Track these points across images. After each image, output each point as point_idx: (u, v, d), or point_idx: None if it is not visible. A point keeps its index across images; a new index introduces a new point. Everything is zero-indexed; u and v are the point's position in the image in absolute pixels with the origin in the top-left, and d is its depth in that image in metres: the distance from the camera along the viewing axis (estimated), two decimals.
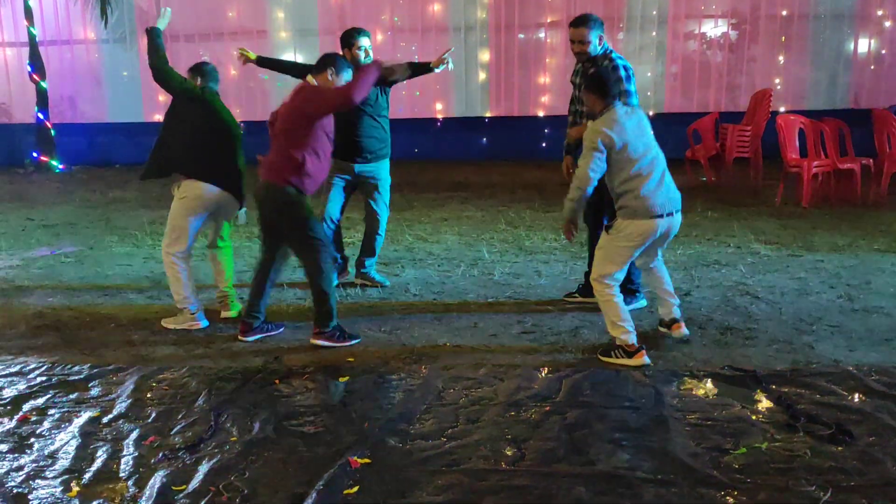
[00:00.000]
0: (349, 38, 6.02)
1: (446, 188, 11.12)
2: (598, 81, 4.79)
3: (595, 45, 5.56)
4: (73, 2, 13.60)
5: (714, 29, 13.72)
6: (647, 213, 4.69)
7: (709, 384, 4.44)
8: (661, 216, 4.71)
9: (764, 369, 4.56)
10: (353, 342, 5.14)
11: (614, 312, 4.79)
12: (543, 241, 7.84)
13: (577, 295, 5.94)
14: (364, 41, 6.01)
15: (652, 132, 4.88)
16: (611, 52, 5.61)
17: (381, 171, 6.23)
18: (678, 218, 4.85)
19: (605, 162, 4.71)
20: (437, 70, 6.24)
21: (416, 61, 6.73)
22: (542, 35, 13.89)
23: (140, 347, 5.23)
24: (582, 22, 5.59)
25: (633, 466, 3.55)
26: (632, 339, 4.76)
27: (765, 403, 4.16)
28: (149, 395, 4.45)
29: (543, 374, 4.59)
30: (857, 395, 4.22)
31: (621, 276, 4.87)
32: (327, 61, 5.14)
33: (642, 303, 5.76)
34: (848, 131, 9.46)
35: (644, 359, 4.71)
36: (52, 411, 4.28)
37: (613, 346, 4.81)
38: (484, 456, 3.67)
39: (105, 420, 4.16)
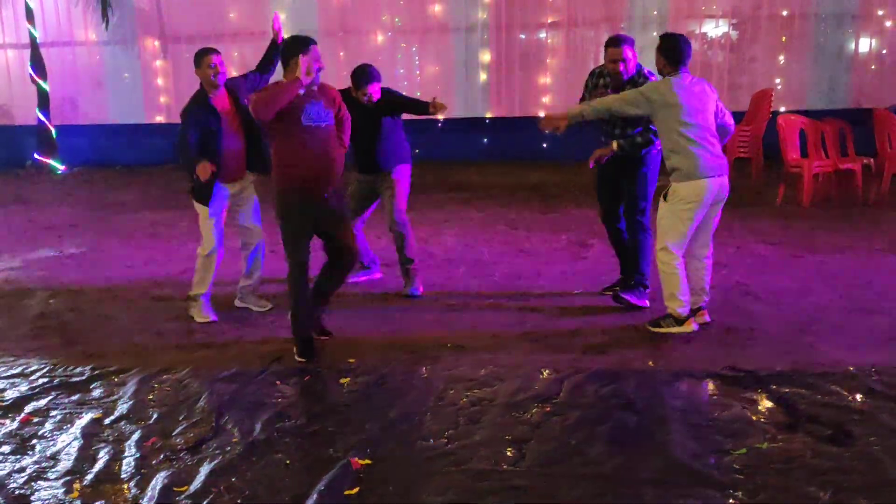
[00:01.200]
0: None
1: (447, 189, 11.12)
2: (673, 47, 5.15)
3: (629, 64, 5.61)
4: (74, 3, 13.60)
5: (715, 29, 13.70)
6: (698, 173, 5.01)
7: (710, 384, 4.45)
8: (712, 177, 5.03)
9: (765, 369, 4.56)
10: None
11: (675, 284, 5.16)
12: (544, 243, 7.84)
13: (616, 288, 5.95)
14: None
15: (715, 106, 5.19)
16: (642, 68, 5.69)
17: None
18: (727, 181, 5.15)
19: (639, 108, 5.08)
20: (438, 114, 5.99)
21: (416, 99, 6.51)
22: (542, 35, 13.88)
23: (142, 349, 5.24)
24: (621, 41, 5.64)
25: (633, 467, 3.56)
26: (686, 310, 5.16)
27: (765, 404, 4.17)
28: (150, 397, 4.47)
29: (544, 375, 4.60)
30: (857, 396, 4.22)
31: (683, 244, 5.15)
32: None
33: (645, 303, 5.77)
34: (849, 131, 9.45)
35: (693, 325, 5.20)
36: (53, 413, 4.29)
37: (664, 317, 5.24)
38: (485, 457, 3.68)
39: (107, 421, 4.17)
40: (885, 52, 13.49)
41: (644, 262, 5.75)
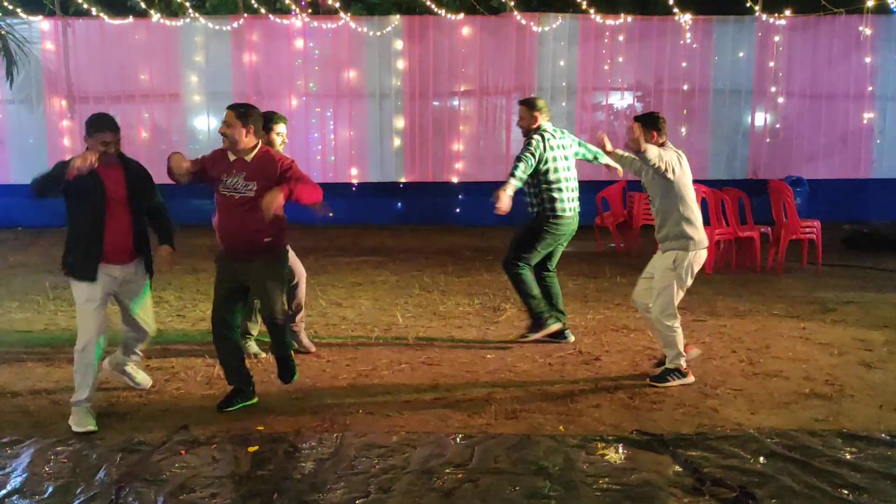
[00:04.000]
0: (269, 121, 5.76)
1: (361, 252, 11.12)
2: (654, 120, 5.52)
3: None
4: None
5: (621, 101, 14.26)
6: (705, 241, 5.59)
7: (619, 449, 4.51)
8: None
9: (670, 433, 4.65)
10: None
11: (681, 342, 5.56)
12: (457, 306, 7.89)
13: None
14: (281, 128, 6.01)
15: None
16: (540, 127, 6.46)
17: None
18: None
19: (671, 164, 5.31)
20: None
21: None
22: (455, 103, 14.19)
23: (38, 418, 5.01)
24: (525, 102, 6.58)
25: None
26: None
27: (672, 467, 4.24)
28: (46, 469, 4.26)
29: (456, 441, 4.58)
30: (760, 458, 4.34)
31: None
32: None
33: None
34: (747, 201, 9.89)
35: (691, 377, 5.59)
36: None
37: (672, 371, 5.53)
38: None
39: None
40: (778, 126, 14.25)
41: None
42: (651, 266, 5.65)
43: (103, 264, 4.92)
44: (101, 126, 4.85)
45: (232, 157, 5.05)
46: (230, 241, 5.09)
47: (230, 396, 5.15)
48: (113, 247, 4.92)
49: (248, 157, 5.01)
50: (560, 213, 6.37)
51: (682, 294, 5.55)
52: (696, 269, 5.52)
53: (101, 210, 4.88)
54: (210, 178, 5.10)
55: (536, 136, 6.33)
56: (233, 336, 5.21)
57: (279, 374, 5.30)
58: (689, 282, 5.54)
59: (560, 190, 6.36)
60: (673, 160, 5.33)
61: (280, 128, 6.00)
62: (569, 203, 6.41)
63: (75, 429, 4.76)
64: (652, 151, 5.19)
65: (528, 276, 6.46)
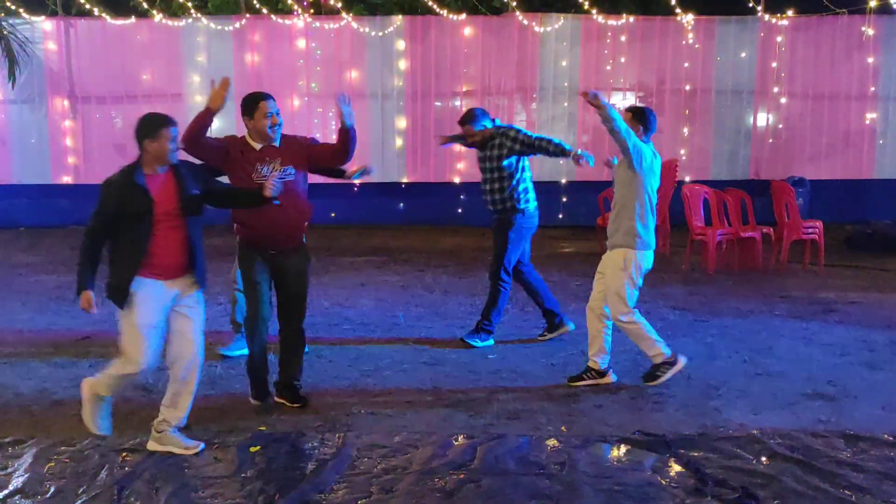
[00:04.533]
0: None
1: (363, 253, 11.12)
2: (642, 115, 5.59)
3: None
4: None
5: (622, 101, 14.24)
6: (653, 242, 5.60)
7: (621, 449, 4.50)
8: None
9: (673, 434, 4.65)
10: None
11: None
12: (459, 306, 7.89)
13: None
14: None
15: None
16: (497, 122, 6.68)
17: None
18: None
19: (637, 147, 5.32)
20: (354, 178, 6.10)
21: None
22: (457, 103, 14.16)
23: (40, 418, 5.01)
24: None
25: None
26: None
27: (674, 468, 4.24)
28: (48, 470, 4.26)
29: (458, 442, 4.58)
30: (762, 459, 4.33)
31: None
32: None
33: None
34: (749, 201, 9.88)
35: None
36: None
37: (657, 367, 5.51)
38: None
39: (0, 496, 3.95)
40: (780, 126, 14.22)
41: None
42: (602, 266, 5.61)
43: None
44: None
45: (258, 146, 5.04)
46: (274, 231, 4.98)
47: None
48: None
49: (277, 143, 5.07)
50: (529, 209, 6.49)
51: (636, 293, 5.50)
52: (645, 270, 5.49)
53: None
54: (222, 162, 5.03)
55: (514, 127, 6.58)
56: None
57: (281, 393, 5.22)
58: (640, 282, 5.49)
59: (527, 189, 6.51)
60: (643, 152, 5.33)
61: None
62: (534, 198, 6.56)
63: (87, 424, 4.55)
64: (611, 112, 5.19)
65: (508, 293, 6.57)
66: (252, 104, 5.08)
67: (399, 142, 14.13)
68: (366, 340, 6.72)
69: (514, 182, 6.38)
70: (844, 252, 11.05)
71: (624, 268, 5.40)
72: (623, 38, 13.80)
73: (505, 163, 6.34)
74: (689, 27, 13.74)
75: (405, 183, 14.25)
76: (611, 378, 5.55)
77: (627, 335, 5.59)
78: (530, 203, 6.47)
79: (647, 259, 5.48)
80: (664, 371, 5.48)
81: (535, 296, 6.65)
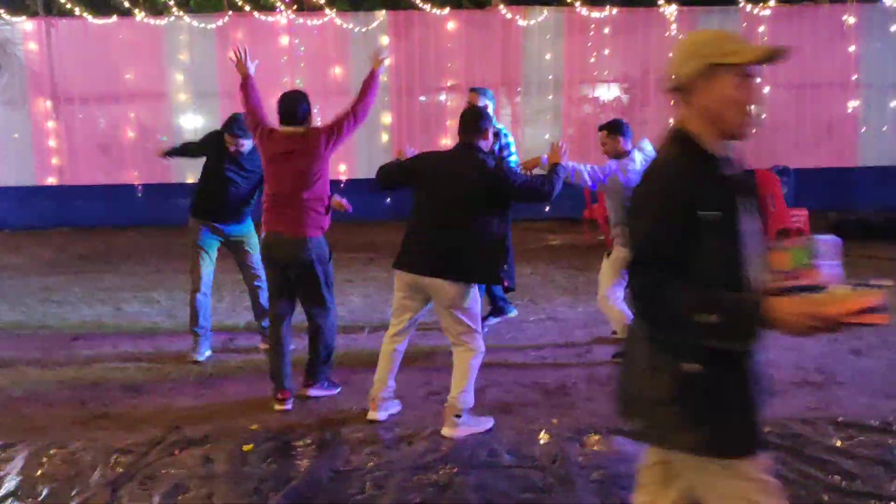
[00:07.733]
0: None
1: (351, 249, 11.10)
2: (618, 126, 6.11)
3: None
4: None
5: (607, 93, 14.28)
6: None
7: (612, 441, 4.52)
8: None
9: None
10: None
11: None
12: None
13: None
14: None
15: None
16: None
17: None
18: None
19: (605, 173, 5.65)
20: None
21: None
22: (442, 98, 14.17)
23: (32, 420, 4.99)
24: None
25: None
26: None
27: None
28: (40, 472, 4.25)
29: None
30: None
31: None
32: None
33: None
34: None
35: None
36: None
37: None
38: None
39: None
40: (764, 115, 14.28)
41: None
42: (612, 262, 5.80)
43: None
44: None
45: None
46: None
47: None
48: None
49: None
50: None
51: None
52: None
53: None
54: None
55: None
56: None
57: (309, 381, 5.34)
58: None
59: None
60: (619, 168, 5.65)
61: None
62: None
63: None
64: (572, 172, 5.41)
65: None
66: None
67: (385, 137, 14.13)
68: (355, 337, 6.71)
69: None
70: None
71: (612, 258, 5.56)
72: (607, 30, 13.81)
73: None
74: (672, 18, 13.77)
75: None
76: None
77: (608, 316, 5.91)
78: None
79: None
80: None
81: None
